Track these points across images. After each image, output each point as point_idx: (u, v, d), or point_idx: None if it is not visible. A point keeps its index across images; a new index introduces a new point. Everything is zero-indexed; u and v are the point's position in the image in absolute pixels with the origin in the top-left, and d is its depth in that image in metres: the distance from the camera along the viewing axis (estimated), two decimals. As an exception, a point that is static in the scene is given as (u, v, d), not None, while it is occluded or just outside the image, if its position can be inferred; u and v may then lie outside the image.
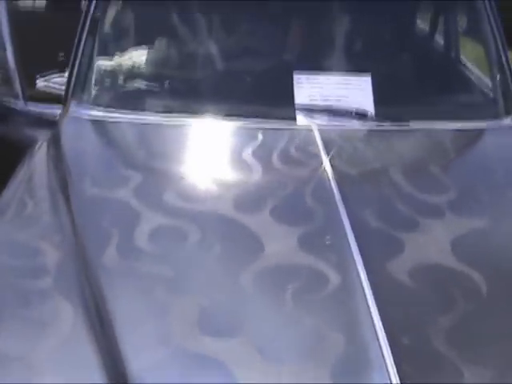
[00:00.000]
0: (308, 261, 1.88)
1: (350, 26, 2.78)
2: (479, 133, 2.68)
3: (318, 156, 2.29)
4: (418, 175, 2.38)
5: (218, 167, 2.35)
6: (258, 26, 2.85)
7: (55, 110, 2.67)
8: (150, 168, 2.33)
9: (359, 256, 1.83)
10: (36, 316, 1.72)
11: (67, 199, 2.13)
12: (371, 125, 2.54)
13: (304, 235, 1.96)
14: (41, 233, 2.03)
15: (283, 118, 2.53)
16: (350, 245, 1.88)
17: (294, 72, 2.60)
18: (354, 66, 2.67)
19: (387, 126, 2.56)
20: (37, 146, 2.49)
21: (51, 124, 2.59)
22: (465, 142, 2.68)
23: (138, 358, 1.56)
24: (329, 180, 2.16)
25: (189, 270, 1.85)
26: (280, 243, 1.93)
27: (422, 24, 3.34)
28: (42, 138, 2.53)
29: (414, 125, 2.59)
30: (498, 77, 2.81)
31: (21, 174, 2.33)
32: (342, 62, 2.69)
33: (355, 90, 2.59)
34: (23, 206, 2.18)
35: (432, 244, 1.98)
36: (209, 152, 2.43)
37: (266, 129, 2.50)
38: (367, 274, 1.77)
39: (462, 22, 3.20)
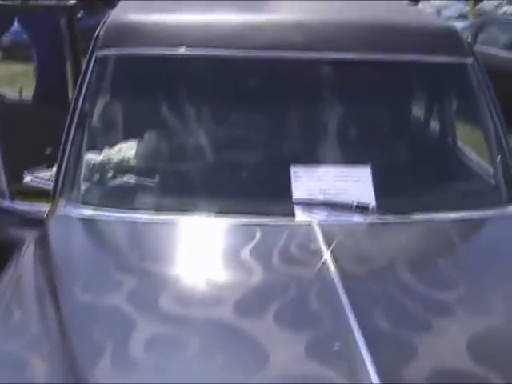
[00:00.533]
0: (317, 370, 1.77)
1: (347, 117, 2.71)
2: (484, 223, 2.61)
3: (319, 253, 2.19)
4: (424, 270, 2.30)
5: (216, 268, 2.25)
6: (252, 117, 2.79)
7: (42, 208, 2.57)
8: (144, 270, 2.22)
9: (372, 364, 1.72)
10: None
11: (56, 305, 2.03)
12: (373, 218, 2.45)
13: (311, 342, 1.86)
14: (28, 343, 1.91)
15: (281, 214, 2.44)
16: (360, 351, 1.77)
17: (291, 165, 2.52)
18: (353, 158, 2.60)
19: (389, 218, 2.47)
20: (24, 247, 2.39)
21: (39, 223, 2.49)
22: (470, 232, 2.62)
23: None
24: (333, 279, 2.06)
25: (189, 382, 1.73)
26: (286, 351, 1.82)
27: (418, 112, 3.30)
28: (30, 237, 2.43)
29: (417, 216, 2.51)
30: (499, 163, 2.75)
31: (7, 277, 2.23)
32: (340, 154, 2.62)
33: (355, 183, 2.51)
34: (10, 312, 2.08)
35: (447, 346, 1.88)
36: (204, 251, 2.33)
37: (263, 225, 2.40)
38: (381, 383, 1.67)
39: (459, 106, 3.14)
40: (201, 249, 2.34)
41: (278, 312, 1.95)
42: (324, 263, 2.13)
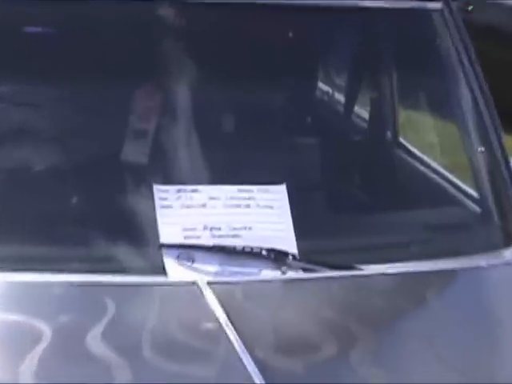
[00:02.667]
0: None
1: (248, 100, 2.39)
2: (468, 276, 2.32)
3: (221, 335, 1.83)
4: (380, 357, 1.97)
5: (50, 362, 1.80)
6: (73, 96, 2.33)
7: None
8: None
9: None
10: None
11: None
12: (294, 272, 2.11)
13: None
14: None
15: (142, 270, 2.05)
16: None
17: (154, 184, 2.13)
18: (258, 171, 2.27)
19: (320, 272, 2.13)
20: None
21: None
22: (446, 292, 2.32)
23: None
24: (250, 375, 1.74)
25: None
26: None
27: (364, 93, 2.93)
28: None
29: (362, 268, 2.16)
30: (488, 180, 2.45)
31: None
32: (235, 164, 2.29)
33: (263, 213, 2.14)
34: None
35: None
36: (21, 329, 1.89)
37: (115, 289, 2.02)
38: None
39: (425, 82, 2.69)
40: (15, 325, 1.89)
41: None
42: (231, 352, 1.79)
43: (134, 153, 2.33)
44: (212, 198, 2.16)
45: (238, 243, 2.11)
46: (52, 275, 1.99)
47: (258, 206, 2.14)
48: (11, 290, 2.02)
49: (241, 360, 1.77)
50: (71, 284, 1.99)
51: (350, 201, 2.46)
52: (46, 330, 1.88)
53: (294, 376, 1.84)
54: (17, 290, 2.00)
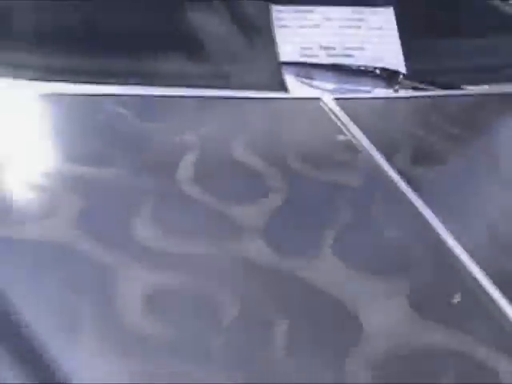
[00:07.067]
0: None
1: None
2: None
3: (356, 146, 1.87)
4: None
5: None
6: None
7: None
8: None
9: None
10: None
11: None
12: (405, 91, 2.17)
13: (412, 293, 1.51)
14: None
15: (262, 86, 2.03)
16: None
17: (273, 5, 2.11)
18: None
19: (430, 91, 2.18)
20: None
21: None
22: None
23: None
24: (396, 186, 1.76)
25: None
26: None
27: None
28: None
29: (472, 89, 2.24)
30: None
31: None
32: None
33: (373, 34, 2.19)
34: None
35: None
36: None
37: (236, 102, 2.00)
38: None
39: None
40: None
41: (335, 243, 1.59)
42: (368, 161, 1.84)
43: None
44: (327, 19, 2.16)
45: (351, 62, 2.14)
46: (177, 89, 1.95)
47: (368, 27, 2.18)
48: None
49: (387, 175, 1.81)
50: (192, 97, 1.96)
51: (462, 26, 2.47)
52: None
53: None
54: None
